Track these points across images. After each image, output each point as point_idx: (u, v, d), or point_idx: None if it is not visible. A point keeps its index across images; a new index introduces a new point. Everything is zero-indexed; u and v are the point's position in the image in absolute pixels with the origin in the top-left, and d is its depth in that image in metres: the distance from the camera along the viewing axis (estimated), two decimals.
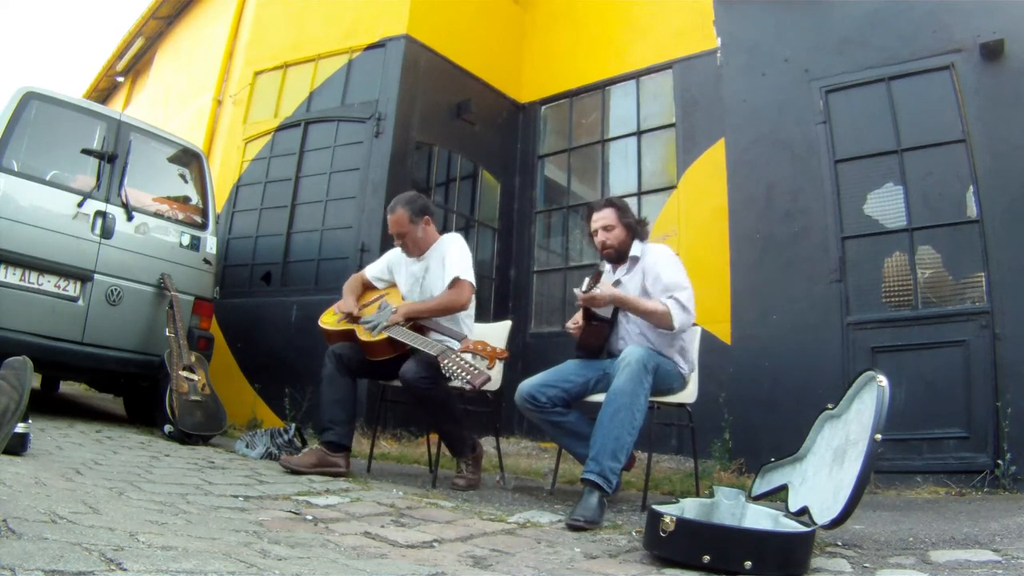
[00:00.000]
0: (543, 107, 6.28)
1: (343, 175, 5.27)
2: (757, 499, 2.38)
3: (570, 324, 2.89)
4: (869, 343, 3.67)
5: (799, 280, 3.95)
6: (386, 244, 4.88)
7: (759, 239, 4.16)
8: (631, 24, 5.81)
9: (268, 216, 5.58)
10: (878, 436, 1.77)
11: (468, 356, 2.54)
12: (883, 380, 1.87)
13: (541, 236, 6.10)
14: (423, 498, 2.46)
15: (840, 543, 1.96)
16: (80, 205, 3.90)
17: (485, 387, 2.86)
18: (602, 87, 5.90)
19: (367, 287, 3.35)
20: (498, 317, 5.18)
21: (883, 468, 3.36)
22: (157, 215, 4.32)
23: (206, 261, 4.51)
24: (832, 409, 2.19)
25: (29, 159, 3.83)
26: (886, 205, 3.82)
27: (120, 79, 10.53)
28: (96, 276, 3.94)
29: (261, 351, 5.13)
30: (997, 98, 3.56)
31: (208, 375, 3.96)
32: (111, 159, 4.10)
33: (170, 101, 8.11)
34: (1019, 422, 3.17)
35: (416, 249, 3.13)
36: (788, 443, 2.43)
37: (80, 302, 3.88)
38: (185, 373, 3.80)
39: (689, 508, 1.93)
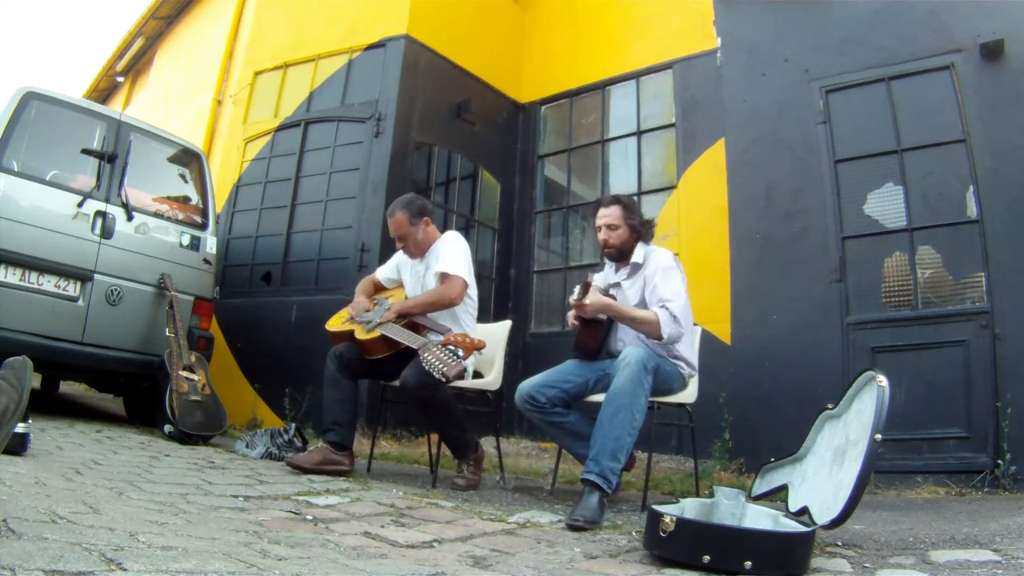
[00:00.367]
0: (543, 107, 6.28)
1: (343, 175, 5.27)
2: (757, 499, 2.38)
3: (571, 317, 2.87)
4: (869, 343, 3.67)
5: (799, 280, 3.95)
6: (386, 244, 4.88)
7: (759, 239, 4.16)
8: (631, 24, 5.81)
9: (268, 216, 5.58)
10: (878, 436, 1.77)
11: (448, 348, 2.55)
12: (883, 380, 1.87)
13: (541, 236, 6.10)
14: (423, 498, 2.46)
15: (840, 543, 1.96)
16: (80, 205, 3.90)
17: (484, 387, 2.87)
18: (602, 87, 5.89)
19: (378, 287, 3.38)
20: (498, 317, 5.18)
21: (883, 468, 3.36)
22: (157, 215, 4.32)
23: (206, 261, 4.51)
24: (832, 409, 2.19)
25: (29, 159, 3.83)
26: (886, 205, 3.82)
27: (120, 79, 10.53)
28: (96, 276, 3.94)
29: (261, 351, 5.14)
30: (997, 98, 3.56)
31: (208, 375, 3.96)
32: (111, 159, 4.10)
33: (170, 101, 8.11)
34: (1019, 422, 3.17)
35: (418, 250, 3.15)
36: (788, 443, 2.43)
37: (80, 302, 3.88)
38: (185, 373, 3.80)
39: (689, 508, 1.93)
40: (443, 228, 3.30)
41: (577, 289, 2.59)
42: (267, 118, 5.90)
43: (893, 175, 3.80)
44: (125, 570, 1.11)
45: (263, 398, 4.99)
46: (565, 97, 6.12)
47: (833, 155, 3.98)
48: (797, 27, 4.31)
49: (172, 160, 4.62)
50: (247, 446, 3.37)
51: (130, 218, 4.11)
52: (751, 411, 3.92)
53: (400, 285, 3.32)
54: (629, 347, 2.56)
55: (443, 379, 2.44)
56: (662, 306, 2.57)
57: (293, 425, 3.50)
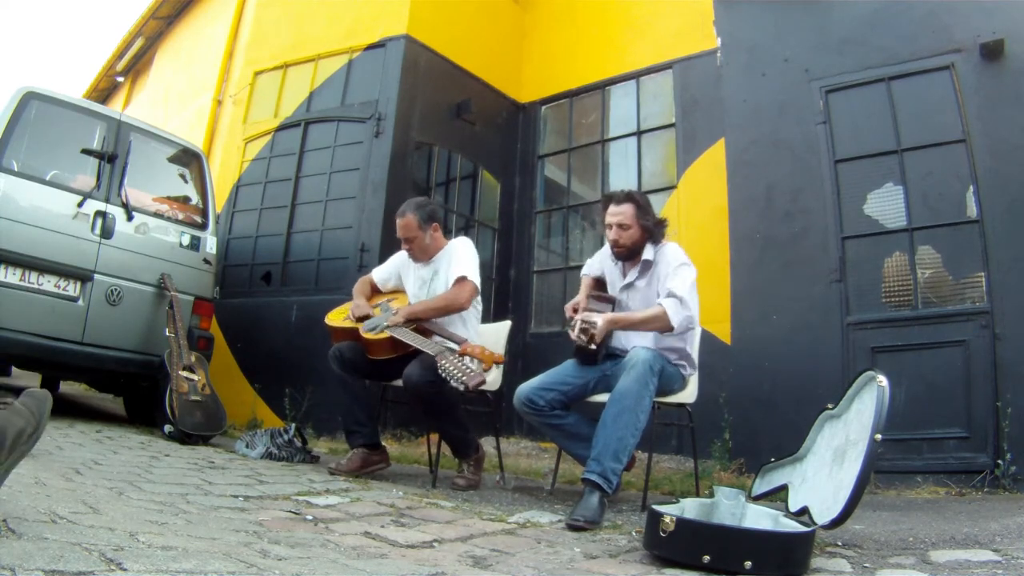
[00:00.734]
0: (543, 107, 6.28)
1: (343, 175, 5.27)
2: (757, 499, 2.38)
3: (569, 310, 2.84)
4: (869, 343, 3.67)
5: (799, 280, 3.95)
6: (386, 244, 4.88)
7: (759, 239, 4.16)
8: (631, 24, 5.81)
9: (268, 216, 5.58)
10: (878, 436, 1.77)
11: (466, 359, 2.54)
12: (883, 380, 1.87)
13: (541, 236, 6.10)
14: (423, 498, 2.46)
15: (840, 543, 1.96)
16: (80, 205, 3.90)
17: (485, 388, 2.86)
18: (602, 87, 5.89)
19: (374, 290, 3.36)
20: (498, 317, 5.19)
21: (883, 468, 3.36)
22: (157, 215, 4.32)
23: (206, 261, 4.51)
24: (832, 409, 2.19)
25: (29, 159, 3.83)
26: (886, 205, 3.82)
27: (120, 79, 10.53)
28: (96, 276, 3.94)
29: (261, 351, 5.13)
30: (997, 98, 3.56)
31: (208, 375, 3.96)
32: (111, 159, 4.10)
33: (170, 101, 8.11)
34: (1019, 422, 3.17)
35: (423, 254, 3.14)
36: (788, 443, 2.43)
37: (80, 302, 3.88)
38: (185, 373, 3.80)
39: (689, 508, 1.93)
40: (443, 228, 3.30)
41: (576, 331, 2.49)
42: (267, 118, 5.90)
43: (893, 175, 3.80)
44: (125, 570, 1.11)
45: (263, 398, 4.99)
46: (565, 97, 6.12)
47: (833, 155, 3.98)
48: (797, 27, 4.31)
49: (172, 160, 4.62)
50: (247, 446, 3.37)
51: (130, 218, 4.11)
52: (751, 411, 3.92)
53: (397, 289, 3.30)
54: (636, 348, 2.54)
55: (462, 388, 2.40)
56: (669, 295, 2.52)
57: (293, 425, 3.50)
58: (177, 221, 4.43)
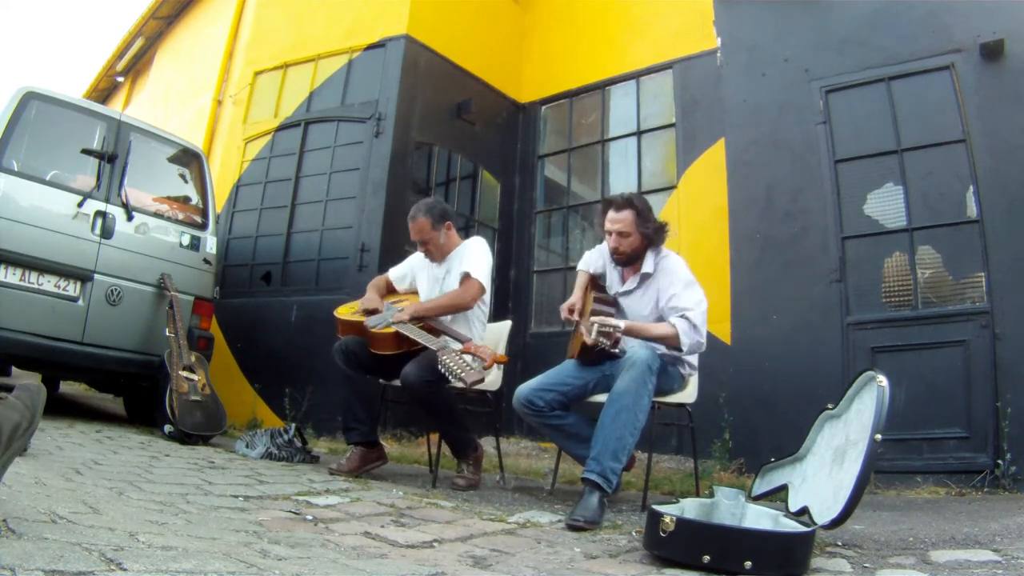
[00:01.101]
0: (543, 107, 6.28)
1: (343, 175, 5.27)
2: (757, 499, 2.38)
3: (565, 312, 2.84)
4: (869, 343, 3.67)
5: (799, 280, 3.95)
6: (386, 244, 4.89)
7: (759, 239, 4.16)
8: (631, 24, 5.81)
9: (268, 216, 5.58)
10: (878, 436, 1.77)
11: (467, 357, 2.55)
12: (883, 380, 1.87)
13: (541, 236, 6.10)
14: (423, 498, 2.46)
15: (840, 543, 1.96)
16: (80, 205, 3.90)
17: (484, 387, 2.87)
18: (602, 87, 5.89)
19: (390, 289, 3.38)
20: (498, 317, 5.17)
21: (883, 468, 3.36)
22: (157, 215, 4.32)
23: (206, 261, 4.51)
24: (832, 409, 2.19)
25: (29, 159, 3.83)
26: (886, 205, 3.82)
27: (120, 79, 10.53)
28: (96, 276, 3.94)
29: (261, 351, 5.14)
30: (997, 98, 3.56)
31: (208, 375, 3.96)
32: (111, 159, 4.10)
33: (170, 101, 8.11)
34: (1019, 422, 3.17)
35: (439, 254, 3.17)
36: (788, 443, 2.43)
37: (80, 302, 3.88)
38: (185, 373, 3.80)
39: (689, 508, 1.93)
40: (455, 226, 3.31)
41: (602, 339, 2.38)
42: (267, 118, 5.90)
43: (893, 175, 3.80)
44: (125, 570, 1.11)
45: (263, 398, 4.99)
46: (565, 97, 6.12)
47: (833, 155, 3.98)
48: (797, 27, 4.31)
49: (172, 160, 4.61)
50: (247, 446, 3.37)
51: (130, 218, 4.11)
52: (751, 411, 3.92)
53: (410, 289, 3.33)
54: (634, 348, 2.54)
55: (461, 384, 2.42)
56: (681, 316, 2.52)
57: (293, 425, 3.50)
58: (177, 221, 4.43)
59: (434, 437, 3.18)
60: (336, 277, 5.00)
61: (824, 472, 2.06)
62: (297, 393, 4.72)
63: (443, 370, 2.48)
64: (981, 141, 3.55)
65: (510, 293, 5.92)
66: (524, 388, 2.74)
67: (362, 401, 3.01)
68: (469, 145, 5.80)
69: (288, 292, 5.24)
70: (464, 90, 5.72)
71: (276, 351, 5.02)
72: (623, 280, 2.82)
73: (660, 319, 2.64)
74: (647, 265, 2.70)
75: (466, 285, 2.99)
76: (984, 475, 3.20)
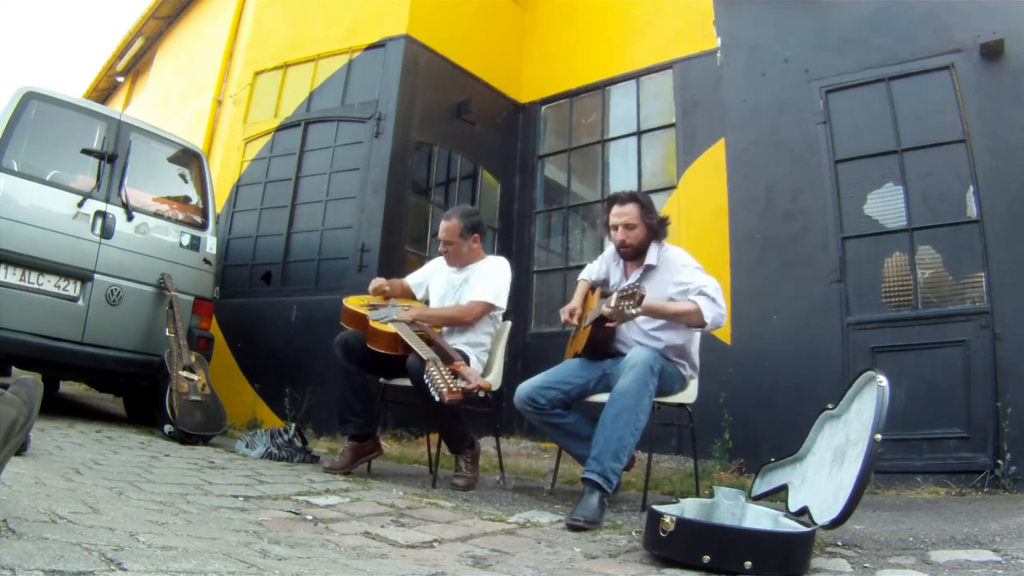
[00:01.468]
0: (543, 107, 6.28)
1: (343, 175, 5.27)
2: (757, 499, 2.38)
3: (565, 316, 2.85)
4: (869, 343, 3.67)
5: (799, 280, 3.95)
6: (386, 244, 4.89)
7: (759, 239, 4.16)
8: (631, 24, 5.81)
9: (268, 216, 5.58)
10: (878, 436, 1.77)
11: (455, 378, 2.53)
12: (883, 380, 1.87)
13: (541, 236, 6.10)
14: (423, 498, 2.46)
15: (840, 543, 1.96)
16: (80, 205, 3.90)
17: (483, 389, 2.86)
18: (602, 87, 5.89)
19: (405, 293, 3.41)
20: None
21: (883, 468, 3.36)
22: (157, 215, 4.32)
23: (206, 261, 4.51)
24: (832, 409, 2.19)
25: (29, 159, 3.83)
26: (886, 205, 3.82)
27: (120, 79, 10.53)
28: (96, 276, 3.94)
29: (261, 351, 5.14)
30: (997, 98, 3.55)
31: (208, 375, 3.96)
32: (111, 159, 4.10)
33: (170, 101, 8.11)
34: (1019, 422, 3.17)
35: (457, 261, 3.22)
36: (788, 443, 2.43)
37: (80, 302, 3.88)
38: (185, 373, 3.80)
39: (689, 508, 1.93)
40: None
41: (619, 298, 2.25)
42: (267, 118, 5.90)
43: (893, 175, 3.80)
44: (125, 570, 1.11)
45: (263, 398, 4.99)
46: (565, 97, 6.12)
47: (833, 155, 3.98)
48: (797, 27, 4.31)
49: (172, 160, 4.62)
50: (247, 446, 3.37)
51: (130, 218, 4.11)
52: (751, 411, 3.92)
53: (426, 297, 3.36)
54: (635, 348, 2.55)
55: (437, 398, 2.42)
56: (700, 293, 2.51)
57: (293, 425, 3.50)
58: (177, 221, 4.43)
59: (434, 437, 3.18)
60: (336, 277, 5.00)
61: (824, 472, 2.06)
62: (297, 393, 4.72)
63: (427, 380, 2.49)
64: (981, 141, 3.55)
65: (510, 293, 5.91)
66: (526, 386, 2.74)
67: (358, 394, 3.02)
68: (469, 145, 5.80)
69: (288, 292, 5.24)
70: (464, 90, 5.72)
71: (276, 351, 5.02)
72: (626, 275, 2.83)
73: None
74: (651, 257, 2.73)
75: (473, 304, 3.06)
76: (984, 475, 3.20)
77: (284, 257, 5.36)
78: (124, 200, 4.10)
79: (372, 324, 2.93)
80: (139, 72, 10.04)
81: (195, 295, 4.37)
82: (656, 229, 2.74)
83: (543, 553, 1.74)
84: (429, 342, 2.79)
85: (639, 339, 2.67)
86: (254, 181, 5.77)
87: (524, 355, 5.50)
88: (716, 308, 2.48)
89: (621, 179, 5.61)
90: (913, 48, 3.82)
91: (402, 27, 5.32)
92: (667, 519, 1.65)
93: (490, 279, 3.13)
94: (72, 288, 3.88)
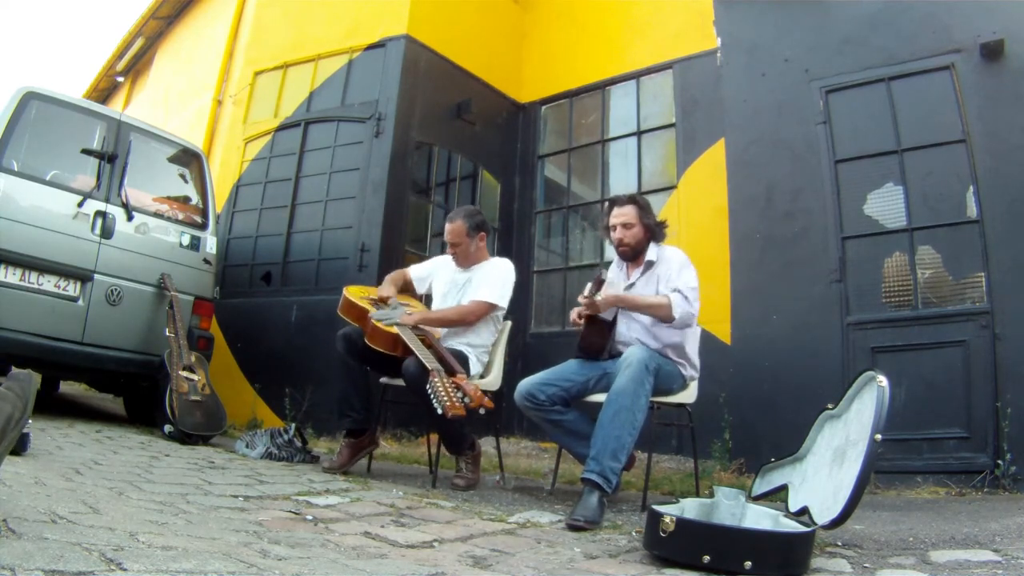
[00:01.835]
0: (543, 107, 6.28)
1: (343, 175, 5.27)
2: (757, 499, 2.38)
3: (574, 315, 2.87)
4: (869, 343, 3.67)
5: (799, 280, 3.95)
6: (386, 244, 4.89)
7: (759, 239, 4.16)
8: (631, 24, 5.81)
9: (268, 216, 5.58)
10: (878, 436, 1.77)
11: (456, 390, 2.48)
12: (883, 380, 1.87)
13: (541, 236, 6.09)
14: (423, 498, 2.46)
15: (840, 543, 1.96)
16: (80, 205, 3.90)
17: (485, 387, 2.86)
18: (602, 87, 5.89)
19: (407, 284, 3.41)
20: None
21: (883, 468, 3.36)
22: (157, 215, 4.32)
23: (206, 261, 4.51)
24: (832, 409, 2.19)
25: (29, 159, 3.83)
26: (886, 205, 3.82)
27: (120, 79, 10.53)
28: (96, 276, 3.94)
29: (261, 351, 5.14)
30: (997, 98, 3.55)
31: (208, 375, 3.96)
32: (111, 159, 4.10)
33: (170, 101, 8.11)
34: (1019, 422, 3.17)
35: (465, 261, 3.24)
36: (788, 443, 2.43)
37: (80, 302, 3.88)
38: (185, 373, 3.80)
39: (689, 508, 1.93)
40: (443, 228, 3.33)
41: (589, 286, 2.59)
42: (267, 118, 5.90)
43: (893, 175, 3.80)
44: (125, 570, 1.11)
45: (263, 398, 4.99)
46: (565, 97, 6.12)
47: (833, 155, 3.98)
48: (797, 27, 4.31)
49: (172, 160, 4.61)
50: (247, 446, 3.37)
51: (130, 218, 4.11)
52: (751, 411, 3.92)
53: (429, 292, 3.36)
54: (631, 348, 2.56)
55: (440, 411, 2.39)
56: (674, 289, 2.59)
57: (293, 425, 3.50)
58: (177, 221, 4.43)
59: (434, 437, 3.18)
60: (336, 277, 5.00)
61: (824, 472, 2.06)
62: (297, 393, 4.72)
63: (430, 391, 2.46)
64: (981, 141, 3.55)
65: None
66: (526, 382, 2.76)
67: (358, 389, 3.02)
68: (469, 145, 5.80)
69: (288, 292, 5.24)
70: (464, 90, 5.72)
71: (276, 351, 5.02)
72: (628, 276, 2.88)
73: None
74: (649, 254, 2.80)
75: (474, 305, 3.08)
76: (984, 475, 3.20)
77: (284, 257, 5.36)
78: (124, 200, 4.10)
79: (374, 323, 2.92)
80: (139, 72, 10.04)
81: (195, 295, 4.37)
82: (654, 230, 2.82)
83: (543, 553, 1.74)
84: (429, 347, 2.79)
85: (640, 337, 2.69)
86: (254, 181, 5.77)
87: (524, 355, 5.49)
88: (686, 306, 2.56)
89: (621, 179, 5.61)
90: (913, 48, 3.82)
91: (402, 27, 5.32)
92: (667, 519, 1.65)
93: (493, 279, 3.14)
94: (72, 288, 3.88)
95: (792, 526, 1.79)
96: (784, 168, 4.14)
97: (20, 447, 2.28)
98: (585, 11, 6.11)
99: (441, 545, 1.73)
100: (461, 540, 1.82)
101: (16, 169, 3.73)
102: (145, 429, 4.04)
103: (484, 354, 3.15)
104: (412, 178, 5.30)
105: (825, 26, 4.19)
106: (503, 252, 5.96)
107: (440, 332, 3.09)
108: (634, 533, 2.06)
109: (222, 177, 5.79)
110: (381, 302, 3.13)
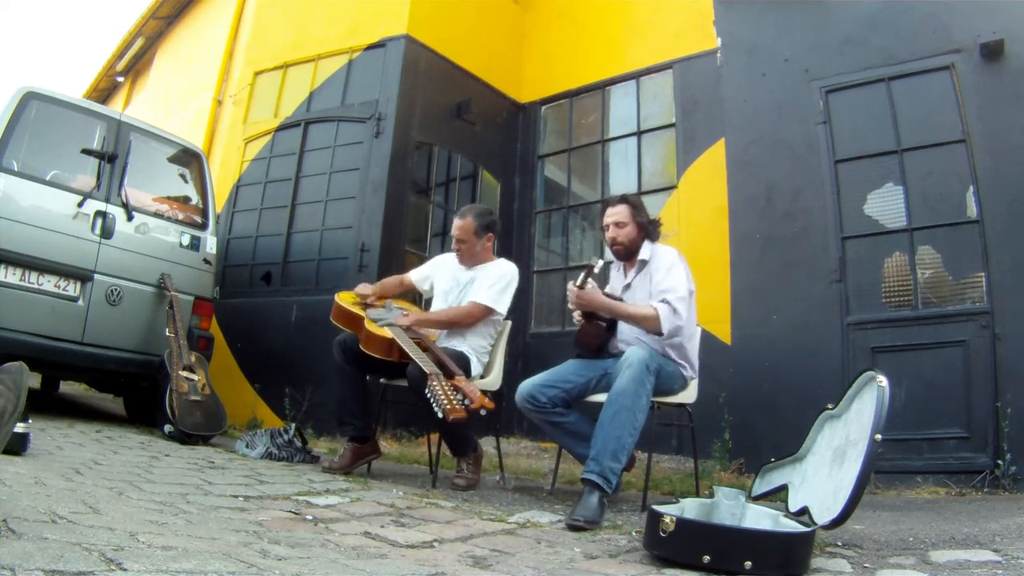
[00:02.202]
0: (543, 107, 6.28)
1: (343, 175, 5.27)
2: (757, 499, 2.38)
3: (576, 315, 2.87)
4: (869, 343, 3.67)
5: (799, 280, 3.95)
6: (386, 244, 4.89)
7: (759, 239, 4.16)
8: (631, 24, 5.81)
9: (268, 216, 5.58)
10: (878, 436, 1.77)
11: (456, 392, 2.47)
12: (883, 380, 1.87)
13: (541, 236, 6.09)
14: (423, 498, 2.46)
15: (840, 543, 1.96)
16: (80, 205, 3.90)
17: (485, 387, 2.85)
18: (602, 87, 5.89)
19: (404, 289, 3.40)
20: None
21: (883, 468, 3.36)
22: (157, 215, 4.32)
23: (206, 261, 4.51)
24: (832, 409, 2.19)
25: (29, 159, 3.83)
26: (886, 205, 3.82)
27: (120, 79, 10.53)
28: (96, 276, 3.94)
29: (261, 351, 5.14)
30: (997, 98, 3.55)
31: (208, 375, 3.96)
32: (111, 159, 4.10)
33: (170, 101, 8.11)
34: (1019, 422, 3.17)
35: (470, 260, 3.22)
36: (788, 443, 2.43)
37: (80, 302, 3.88)
38: (185, 373, 3.80)
39: (689, 508, 1.93)
40: (443, 229, 3.33)
41: (581, 276, 2.60)
42: (267, 118, 5.90)
43: (893, 175, 3.80)
44: (125, 570, 1.11)
45: (263, 398, 4.99)
46: (565, 97, 6.12)
47: (833, 155, 3.98)
48: (797, 27, 4.31)
49: (172, 160, 4.61)
50: (247, 446, 3.37)
51: (130, 218, 4.11)
52: (751, 411, 3.92)
53: (431, 293, 3.35)
54: (632, 348, 2.56)
55: (441, 415, 2.39)
56: (662, 300, 2.58)
57: (293, 425, 3.50)
58: (177, 221, 4.43)
59: (434, 437, 3.18)
60: (336, 277, 5.00)
61: (824, 472, 2.06)
62: (297, 393, 4.72)
63: (429, 395, 2.45)
64: (981, 141, 3.55)
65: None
66: (527, 384, 2.76)
67: (357, 397, 3.02)
68: (469, 145, 5.80)
69: (288, 292, 5.24)
70: (464, 90, 5.72)
71: (276, 351, 5.02)
72: (625, 276, 2.89)
73: None
74: (643, 253, 2.81)
75: (471, 307, 3.06)
76: (984, 475, 3.20)
77: (284, 257, 5.36)
78: (124, 200, 4.10)
79: (367, 327, 2.90)
80: (139, 72, 10.04)
81: (195, 295, 4.37)
82: (647, 228, 2.83)
83: (543, 553, 1.74)
84: (426, 349, 2.78)
85: (641, 336, 2.69)
86: (254, 181, 5.77)
87: (524, 355, 5.49)
88: (675, 320, 2.55)
89: (621, 179, 5.61)
90: (913, 48, 3.82)
91: (402, 27, 5.32)
92: (667, 519, 1.65)
93: (494, 283, 3.11)
94: (72, 288, 3.88)
95: (792, 526, 1.79)
96: (784, 168, 4.14)
97: (20, 447, 2.28)
98: (585, 11, 6.11)
99: (441, 545, 1.73)
100: (461, 540, 1.82)
101: (16, 169, 3.73)
102: (145, 429, 4.04)
103: (484, 355, 3.15)
104: (412, 178, 5.30)
105: (825, 26, 4.19)
106: (503, 252, 5.92)
107: (436, 334, 3.08)
108: (634, 533, 2.06)
109: (222, 177, 5.79)
110: (371, 307, 3.10)
